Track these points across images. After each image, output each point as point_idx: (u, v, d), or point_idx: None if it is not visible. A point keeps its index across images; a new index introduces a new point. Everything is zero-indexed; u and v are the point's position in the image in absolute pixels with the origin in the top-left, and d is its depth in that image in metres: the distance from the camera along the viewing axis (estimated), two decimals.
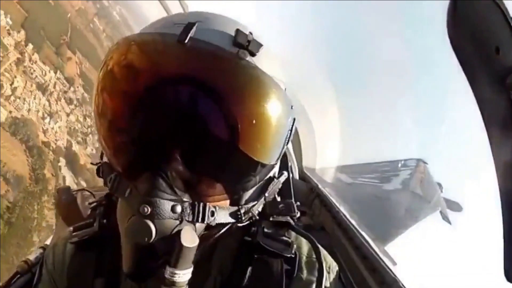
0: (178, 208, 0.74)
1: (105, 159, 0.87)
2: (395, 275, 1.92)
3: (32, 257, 2.01)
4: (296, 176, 3.97)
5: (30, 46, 52.73)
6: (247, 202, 0.87)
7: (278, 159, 0.84)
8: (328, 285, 0.93)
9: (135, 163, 0.77)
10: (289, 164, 3.36)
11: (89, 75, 58.04)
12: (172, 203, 0.73)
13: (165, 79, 0.73)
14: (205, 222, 0.77)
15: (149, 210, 0.71)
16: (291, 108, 0.82)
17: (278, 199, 1.08)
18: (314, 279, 0.91)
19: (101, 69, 0.79)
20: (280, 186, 0.94)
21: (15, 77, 49.09)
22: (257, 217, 0.91)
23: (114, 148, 0.81)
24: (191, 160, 0.75)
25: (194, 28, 0.74)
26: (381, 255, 2.17)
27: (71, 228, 1.04)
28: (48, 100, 53.41)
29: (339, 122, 4.57)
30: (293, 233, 0.99)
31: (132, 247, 0.76)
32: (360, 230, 2.58)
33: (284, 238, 0.94)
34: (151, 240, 0.72)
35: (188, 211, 0.75)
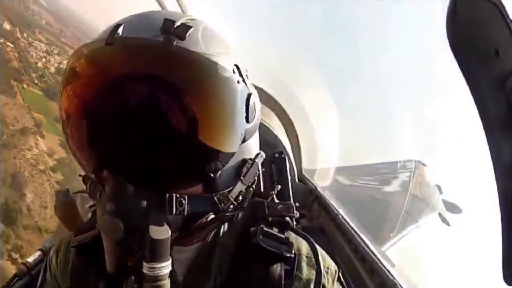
0: (144, 203, 0.74)
1: None
2: (393, 277, 1.92)
3: (31, 259, 2.02)
4: (295, 179, 3.97)
5: (25, 34, 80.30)
6: (221, 188, 0.85)
7: (240, 142, 0.81)
8: (326, 284, 0.93)
9: (98, 166, 0.78)
10: (288, 166, 3.38)
11: (51, 38, 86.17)
12: (136, 198, 0.74)
13: (103, 83, 0.74)
14: (174, 213, 0.77)
15: (114, 207, 0.73)
16: (238, 82, 0.78)
17: (277, 201, 1.09)
18: (313, 278, 0.92)
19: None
20: (258, 168, 0.92)
21: (36, 51, 79.35)
22: (238, 204, 0.90)
23: (81, 156, 0.82)
24: (147, 155, 0.76)
25: (121, 28, 0.75)
26: (380, 257, 2.17)
27: (73, 232, 1.04)
28: (54, 58, 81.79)
29: (339, 121, 4.58)
30: (292, 234, 1.00)
31: (109, 245, 0.77)
32: (359, 232, 2.58)
33: (283, 238, 0.94)
34: (121, 236, 0.73)
35: (154, 204, 0.75)
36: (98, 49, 0.75)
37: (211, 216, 0.87)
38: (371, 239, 2.51)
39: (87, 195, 0.85)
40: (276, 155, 3.32)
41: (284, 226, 0.99)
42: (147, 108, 0.73)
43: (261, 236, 0.92)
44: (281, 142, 4.11)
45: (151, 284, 0.74)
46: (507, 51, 0.63)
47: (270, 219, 0.99)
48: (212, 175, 0.80)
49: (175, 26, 0.75)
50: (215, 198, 0.83)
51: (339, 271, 1.02)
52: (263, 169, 3.06)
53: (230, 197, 0.86)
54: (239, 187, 0.88)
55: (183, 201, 0.77)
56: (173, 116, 0.73)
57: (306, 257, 0.95)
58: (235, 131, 0.79)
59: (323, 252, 1.00)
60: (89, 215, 1.06)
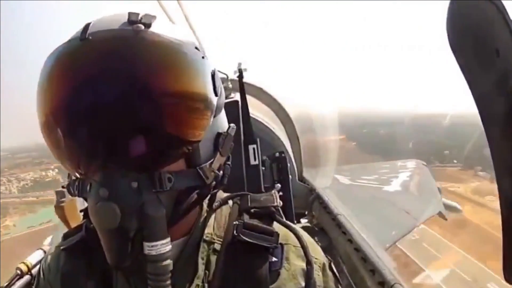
0: (134, 184, 0.76)
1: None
2: (394, 277, 1.92)
3: (31, 259, 2.03)
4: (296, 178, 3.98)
5: None
6: (203, 161, 0.88)
7: (213, 114, 0.86)
8: (314, 275, 0.92)
9: (84, 160, 0.79)
10: (288, 166, 3.38)
11: None
12: (127, 179, 0.76)
13: (82, 77, 0.76)
14: (165, 189, 0.79)
15: (107, 192, 0.74)
16: (203, 58, 0.85)
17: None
18: (301, 269, 0.92)
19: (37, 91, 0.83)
20: (231, 139, 0.96)
21: None
22: (219, 181, 0.95)
23: (66, 154, 0.82)
24: (130, 142, 0.77)
25: (91, 25, 0.80)
26: (381, 257, 2.17)
27: (62, 235, 1.05)
28: None
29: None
30: (278, 225, 0.99)
31: (107, 236, 0.78)
32: (359, 232, 2.58)
33: (268, 229, 0.94)
34: (118, 221, 0.74)
35: (145, 183, 0.77)
36: (73, 46, 0.79)
37: (195, 196, 0.90)
38: (372, 238, 2.51)
39: None
40: (277, 154, 3.32)
41: (269, 217, 1.00)
42: (127, 96, 0.75)
43: (243, 229, 0.92)
44: (282, 142, 4.12)
45: (155, 265, 0.76)
46: (508, 51, 0.63)
47: (253, 211, 1.00)
48: (190, 149, 0.83)
49: (140, 17, 0.80)
50: (200, 172, 0.86)
51: (330, 262, 1.01)
52: (263, 168, 3.07)
53: (212, 169, 0.89)
54: (219, 159, 0.92)
55: (172, 177, 0.80)
56: (149, 100, 0.76)
57: (294, 247, 0.95)
58: (208, 102, 0.83)
59: (313, 242, 1.01)
60: (81, 219, 1.06)
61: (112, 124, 0.76)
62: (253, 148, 2.84)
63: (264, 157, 3.23)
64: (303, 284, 0.91)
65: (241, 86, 3.11)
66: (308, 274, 0.91)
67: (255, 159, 2.82)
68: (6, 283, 1.87)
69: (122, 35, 0.78)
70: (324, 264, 0.98)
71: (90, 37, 0.77)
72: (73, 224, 1.07)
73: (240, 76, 3.20)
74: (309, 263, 0.92)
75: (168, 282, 0.78)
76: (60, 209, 2.53)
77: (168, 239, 0.78)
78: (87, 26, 0.79)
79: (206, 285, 0.90)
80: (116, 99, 0.75)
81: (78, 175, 0.83)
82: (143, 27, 0.79)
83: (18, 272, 1.93)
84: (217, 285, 0.89)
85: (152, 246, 0.75)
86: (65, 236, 1.04)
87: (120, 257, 0.78)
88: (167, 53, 0.79)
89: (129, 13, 0.80)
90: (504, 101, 0.66)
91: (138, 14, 0.81)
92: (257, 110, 4.14)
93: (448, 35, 0.71)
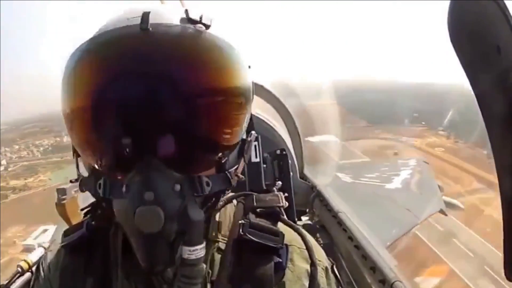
0: (177, 187, 0.75)
1: (83, 173, 0.89)
2: (395, 274, 1.92)
3: (32, 256, 2.03)
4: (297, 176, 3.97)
5: None
6: (231, 166, 0.89)
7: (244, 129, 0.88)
8: (318, 277, 0.92)
9: (124, 159, 0.75)
10: (289, 163, 3.38)
11: None
12: (171, 183, 0.75)
13: (136, 70, 0.74)
14: (204, 193, 0.79)
15: (153, 195, 0.72)
16: (249, 67, 0.87)
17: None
18: (305, 270, 0.92)
19: (65, 85, 0.80)
20: (253, 145, 1.00)
21: None
22: (243, 177, 0.94)
23: (100, 153, 0.81)
24: (174, 142, 0.76)
25: (149, 15, 0.76)
26: (381, 254, 2.17)
27: (63, 232, 1.05)
28: None
29: None
30: (283, 225, 0.99)
31: (146, 240, 0.76)
32: (360, 229, 2.58)
33: (273, 229, 0.94)
34: (161, 224, 0.72)
35: (187, 187, 0.76)
36: (133, 33, 0.75)
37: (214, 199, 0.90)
38: (373, 236, 2.51)
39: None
40: (278, 152, 3.31)
41: (274, 217, 0.99)
42: (189, 95, 0.75)
43: (248, 229, 0.92)
44: (283, 139, 4.11)
45: (192, 269, 0.75)
46: (509, 48, 0.62)
47: (258, 210, 0.99)
48: (224, 155, 0.85)
49: (199, 16, 0.80)
50: (229, 176, 0.87)
51: (333, 264, 1.01)
52: (265, 165, 3.07)
53: (236, 173, 0.91)
54: (242, 164, 0.94)
55: (209, 181, 0.80)
56: (210, 102, 0.77)
57: (298, 248, 0.95)
58: (249, 109, 0.87)
59: (316, 244, 1.00)
60: (81, 217, 1.05)
61: (169, 122, 0.75)
62: (255, 145, 2.83)
63: (265, 154, 3.22)
64: (307, 285, 0.90)
65: None
66: (312, 275, 0.91)
67: (256, 156, 2.82)
68: (7, 281, 1.88)
69: (185, 33, 0.78)
70: (327, 267, 0.97)
71: (151, 28, 0.74)
72: (75, 222, 1.06)
73: None
74: (313, 264, 0.92)
75: (199, 285, 0.77)
76: (61, 207, 2.52)
77: (204, 243, 0.77)
78: (146, 16, 0.74)
79: (209, 284, 0.89)
80: (178, 96, 0.74)
81: (108, 173, 0.81)
82: (203, 27, 0.79)
83: (19, 269, 1.93)
84: (222, 284, 0.88)
85: (192, 251, 0.74)
86: (66, 234, 1.03)
87: (158, 261, 0.77)
88: (228, 58, 0.80)
89: (187, 11, 0.80)
90: (505, 99, 0.66)
91: (197, 12, 0.81)
92: (258, 107, 4.13)
93: (449, 32, 0.71)
